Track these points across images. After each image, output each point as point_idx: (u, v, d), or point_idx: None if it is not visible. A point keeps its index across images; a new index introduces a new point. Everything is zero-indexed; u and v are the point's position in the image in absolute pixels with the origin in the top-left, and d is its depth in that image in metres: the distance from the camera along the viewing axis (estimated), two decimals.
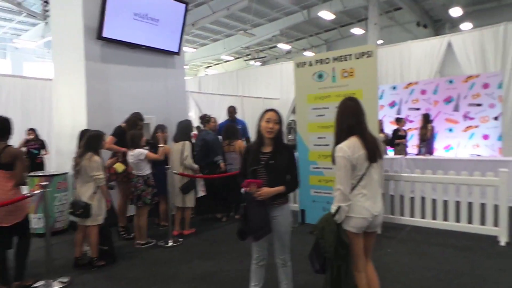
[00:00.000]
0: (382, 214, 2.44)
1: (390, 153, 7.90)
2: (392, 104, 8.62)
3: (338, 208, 2.29)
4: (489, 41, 11.24)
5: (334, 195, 2.35)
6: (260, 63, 27.30)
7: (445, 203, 4.37)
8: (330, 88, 4.64)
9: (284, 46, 24.87)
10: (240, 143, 5.44)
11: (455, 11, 17.47)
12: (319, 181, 4.86)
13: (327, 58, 4.63)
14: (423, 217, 4.55)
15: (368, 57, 4.32)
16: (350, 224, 2.33)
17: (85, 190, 3.81)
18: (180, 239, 4.71)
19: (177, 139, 4.89)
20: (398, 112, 8.47)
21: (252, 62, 27.71)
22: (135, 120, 4.75)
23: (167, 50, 6.24)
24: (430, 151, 7.35)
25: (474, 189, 4.11)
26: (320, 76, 4.72)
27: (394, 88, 8.69)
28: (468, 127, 7.50)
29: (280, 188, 2.49)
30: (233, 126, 5.62)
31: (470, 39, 11.68)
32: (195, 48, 25.32)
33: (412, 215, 4.64)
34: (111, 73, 5.59)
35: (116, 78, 5.66)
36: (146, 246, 4.52)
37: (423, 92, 8.16)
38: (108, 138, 4.65)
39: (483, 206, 4.18)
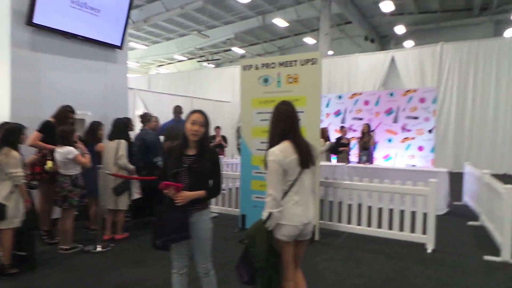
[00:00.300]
0: (313, 222, 2.40)
1: (334, 160, 8.12)
2: (337, 113, 8.89)
3: (269, 215, 2.21)
4: (427, 58, 12.10)
5: (265, 201, 2.27)
6: (213, 65, 27.06)
7: (380, 210, 4.52)
8: (275, 93, 4.61)
9: (238, 50, 24.89)
10: None
11: (399, 29, 18.61)
12: (261, 186, 4.80)
13: (273, 63, 4.60)
14: (359, 224, 4.66)
15: (312, 64, 4.35)
16: (281, 232, 2.26)
17: (0, 189, 3.40)
18: (112, 244, 4.40)
19: (112, 137, 4.57)
20: (343, 121, 8.75)
21: (205, 64, 27.39)
22: (65, 114, 4.37)
23: (108, 43, 5.86)
24: (370, 160, 7.65)
25: (406, 198, 4.29)
26: (266, 80, 4.68)
27: (340, 97, 8.98)
28: (406, 139, 7.93)
29: (200, 193, 2.37)
30: (176, 127, 5.38)
31: (411, 55, 12.49)
32: (146, 46, 24.50)
33: (349, 222, 4.74)
34: (41, 63, 5.11)
35: (47, 68, 5.18)
36: (71, 251, 4.15)
37: (366, 102, 8.51)
38: (33, 134, 4.22)
39: (414, 214, 4.36)
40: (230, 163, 7.61)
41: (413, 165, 7.70)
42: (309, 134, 4.41)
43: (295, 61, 4.44)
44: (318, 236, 4.57)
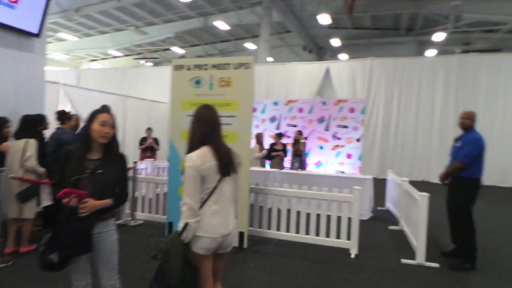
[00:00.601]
0: (234, 233, 2.28)
1: (268, 166, 8.17)
2: (273, 119, 8.99)
3: (185, 225, 2.04)
4: (359, 71, 12.84)
5: (181, 210, 2.10)
6: (151, 64, 26.09)
7: (308, 216, 4.56)
8: (207, 96, 4.45)
9: (178, 50, 24.26)
10: None
11: (335, 42, 19.56)
12: None
13: (206, 64, 4.45)
14: (288, 230, 4.66)
15: (245, 68, 4.28)
16: (198, 245, 2.10)
17: None
18: (15, 258, 3.87)
19: (18, 135, 4.05)
20: (278, 127, 8.87)
21: (142, 62, 26.29)
22: None
23: (22, 30, 5.23)
24: (302, 166, 7.81)
25: (332, 204, 4.39)
26: (198, 82, 4.50)
27: (276, 103, 9.10)
28: (336, 146, 8.25)
29: (107, 201, 2.14)
30: None
31: (344, 67, 13.15)
32: (78, 37, 22.81)
33: (278, 229, 4.72)
34: None
35: None
36: None
37: (301, 110, 8.72)
38: None
39: (340, 219, 4.47)
40: (160, 166, 7.25)
41: (342, 172, 8.03)
42: (241, 139, 4.33)
43: (228, 64, 4.34)
44: (247, 243, 4.49)
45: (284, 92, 13.61)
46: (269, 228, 4.76)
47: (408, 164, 12.43)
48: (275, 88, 13.97)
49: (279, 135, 8.35)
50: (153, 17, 20.63)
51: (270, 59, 19.58)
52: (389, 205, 7.11)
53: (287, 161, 8.28)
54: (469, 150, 3.87)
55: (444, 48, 19.48)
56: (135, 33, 20.14)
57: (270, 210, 4.77)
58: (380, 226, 5.95)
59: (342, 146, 8.19)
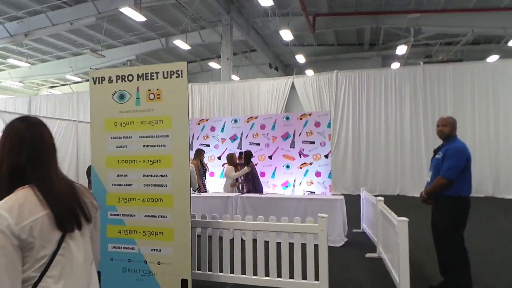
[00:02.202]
0: None
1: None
2: (233, 138, 8.22)
3: None
4: (324, 85, 12.42)
5: None
6: None
7: (266, 254, 3.71)
8: (134, 112, 3.62)
9: None
10: None
11: (300, 58, 19.36)
12: (119, 232, 3.67)
13: (130, 75, 3.63)
14: (243, 272, 3.79)
15: (178, 77, 3.50)
16: None
17: None
18: None
19: None
20: (239, 146, 8.10)
21: None
22: None
23: None
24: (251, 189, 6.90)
25: (295, 236, 3.58)
26: (122, 97, 3.66)
27: (236, 121, 8.36)
28: (303, 164, 7.55)
29: None
30: None
31: (309, 82, 12.70)
32: (31, 63, 21.52)
33: (232, 271, 3.84)
34: None
35: None
36: None
37: (263, 127, 8.02)
38: None
39: (305, 253, 3.64)
40: None
41: (312, 192, 7.33)
42: (177, 162, 3.50)
43: (157, 72, 3.54)
44: None
45: (250, 110, 12.99)
46: (220, 271, 3.88)
47: (382, 178, 11.92)
48: (240, 106, 13.33)
49: (241, 155, 7.59)
50: (112, 39, 19.79)
51: (236, 78, 19.06)
52: (365, 226, 6.40)
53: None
54: (452, 163, 3.20)
55: (407, 62, 19.67)
56: (93, 56, 19.12)
57: (220, 249, 3.89)
58: (355, 253, 5.18)
59: (310, 163, 7.49)
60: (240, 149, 7.95)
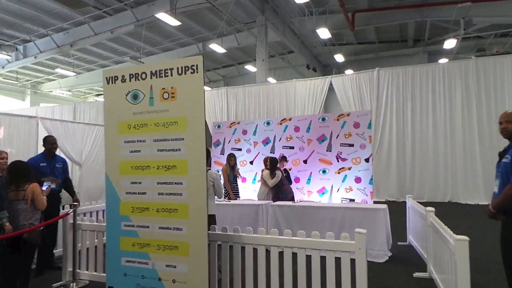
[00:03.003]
0: None
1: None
2: (266, 142, 7.77)
3: None
4: (365, 83, 11.65)
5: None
6: None
7: (295, 270, 3.21)
8: (147, 114, 3.31)
9: None
10: (34, 187, 3.70)
11: (339, 57, 18.59)
12: (133, 245, 3.37)
13: (144, 73, 3.33)
14: None
15: (193, 73, 3.14)
16: None
17: None
18: None
19: None
20: (272, 150, 7.64)
21: None
22: None
23: None
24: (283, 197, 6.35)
25: (327, 255, 3.06)
26: (135, 97, 3.37)
27: (268, 123, 7.90)
28: (341, 169, 6.93)
29: None
30: (21, 164, 3.84)
31: (349, 81, 11.99)
32: (78, 73, 22.63)
33: None
34: None
35: None
36: None
37: (297, 129, 7.50)
38: None
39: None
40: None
41: (351, 200, 6.70)
42: (192, 170, 3.13)
43: (171, 69, 3.20)
44: None
45: (286, 113, 12.51)
46: None
47: (431, 183, 10.90)
48: (276, 109, 12.89)
49: (284, 159, 7.12)
50: (151, 46, 20.23)
51: (273, 80, 18.73)
52: (412, 239, 5.69)
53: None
54: None
55: (457, 57, 18.17)
56: (134, 64, 19.66)
57: (243, 265, 3.45)
58: (401, 271, 4.53)
59: (349, 168, 6.85)
60: (273, 153, 7.49)
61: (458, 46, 17.04)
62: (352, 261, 2.93)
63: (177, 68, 3.18)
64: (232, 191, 6.73)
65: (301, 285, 3.15)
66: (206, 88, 22.07)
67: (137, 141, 3.34)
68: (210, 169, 4.52)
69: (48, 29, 17.22)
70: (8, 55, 18.62)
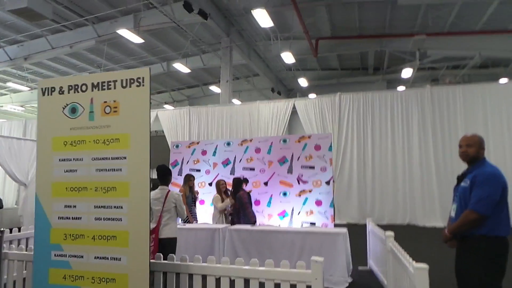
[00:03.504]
0: None
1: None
2: (226, 162, 7.52)
3: None
4: (327, 107, 11.84)
5: None
6: None
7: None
8: (87, 129, 2.99)
9: None
10: None
11: (303, 82, 18.99)
12: (64, 277, 2.95)
13: (84, 84, 3.02)
14: None
15: (138, 85, 2.88)
16: None
17: None
18: None
19: None
20: (232, 172, 7.39)
21: None
22: None
23: None
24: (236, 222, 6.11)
25: (282, 285, 2.81)
26: (74, 111, 3.05)
27: (229, 144, 7.67)
28: (302, 192, 6.79)
29: None
30: None
31: (311, 104, 12.13)
32: (31, 88, 21.43)
33: None
34: None
35: None
36: None
37: (258, 150, 7.32)
38: None
39: None
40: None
41: (312, 223, 6.54)
42: (134, 193, 2.82)
43: (114, 81, 2.93)
44: None
45: (249, 134, 12.37)
46: None
47: (390, 206, 11.05)
48: (239, 130, 12.73)
49: (245, 181, 6.86)
50: (113, 63, 19.65)
51: (237, 102, 18.70)
52: (372, 264, 5.58)
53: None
54: (484, 192, 2.45)
55: (413, 86, 19.15)
56: None
57: None
58: None
59: (310, 190, 6.73)
60: (233, 174, 7.24)
61: (414, 75, 17.97)
62: None
63: (121, 80, 2.92)
64: (191, 214, 6.38)
65: None
66: (168, 107, 21.65)
67: (73, 159, 2.99)
68: (169, 190, 4.24)
69: (0, 40, 16.29)
70: None
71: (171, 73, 21.00)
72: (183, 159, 7.88)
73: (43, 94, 3.13)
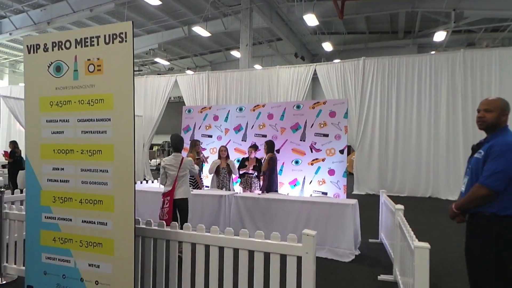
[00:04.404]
0: None
1: (235, 186, 6.51)
2: (238, 129, 7.33)
3: None
4: (350, 72, 11.25)
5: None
6: None
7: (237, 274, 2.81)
8: (71, 89, 2.84)
9: (163, 62, 23.01)
10: None
11: (327, 46, 18.13)
12: (54, 239, 2.94)
13: (68, 41, 2.84)
14: None
15: (121, 41, 2.67)
16: None
17: None
18: None
19: None
20: (244, 138, 7.20)
21: None
22: None
23: None
24: (269, 187, 6.02)
25: (271, 258, 2.66)
26: (58, 69, 2.89)
27: (241, 109, 7.44)
28: (315, 160, 6.55)
29: None
30: None
31: (333, 69, 11.57)
32: None
33: None
34: None
35: None
36: None
37: (270, 116, 7.06)
38: None
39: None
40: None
41: (324, 193, 6.34)
42: (119, 156, 2.69)
43: (97, 37, 2.72)
44: None
45: (268, 99, 12.06)
46: None
47: (412, 178, 10.64)
48: (258, 96, 12.42)
49: (254, 147, 6.69)
50: (134, 28, 19.45)
51: (258, 67, 18.23)
52: (383, 237, 5.36)
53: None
54: (499, 165, 2.12)
55: (446, 50, 17.88)
56: None
57: (180, 265, 3.04)
58: (366, 274, 4.18)
59: (323, 159, 6.48)
60: (245, 141, 7.06)
61: (448, 39, 16.72)
62: (300, 264, 2.55)
63: (104, 36, 2.71)
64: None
65: (242, 284, 2.75)
66: (188, 72, 21.46)
67: (60, 120, 2.88)
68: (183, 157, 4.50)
69: (24, 4, 16.37)
70: None
71: (192, 38, 20.59)
72: (195, 124, 7.76)
73: (29, 52, 2.98)
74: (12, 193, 4.27)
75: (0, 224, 3.69)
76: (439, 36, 15.51)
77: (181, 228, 2.94)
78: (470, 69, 10.07)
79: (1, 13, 17.10)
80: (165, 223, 3.03)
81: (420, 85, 10.59)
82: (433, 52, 11.06)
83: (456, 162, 10.03)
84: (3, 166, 11.05)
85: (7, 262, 3.79)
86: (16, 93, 15.24)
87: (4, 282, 3.65)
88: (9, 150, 10.10)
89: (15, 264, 3.78)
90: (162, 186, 4.56)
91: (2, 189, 3.73)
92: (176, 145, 4.50)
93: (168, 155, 22.93)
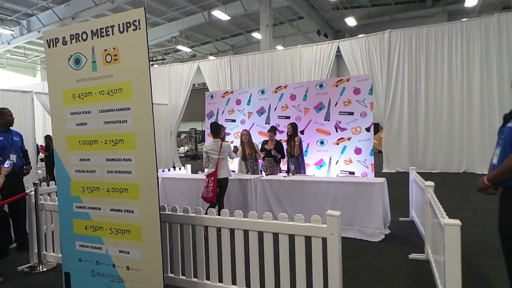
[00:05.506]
0: None
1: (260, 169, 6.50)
2: (261, 111, 7.26)
3: None
4: (375, 47, 10.84)
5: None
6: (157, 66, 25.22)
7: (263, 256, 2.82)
8: (91, 80, 2.88)
9: (185, 49, 23.08)
10: None
11: (350, 21, 17.51)
12: (85, 228, 3.05)
13: (84, 32, 2.86)
14: (221, 280, 2.97)
15: (135, 29, 2.65)
16: None
17: None
18: None
19: None
20: (267, 120, 7.14)
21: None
22: None
23: None
24: (300, 169, 6.02)
25: (296, 240, 2.64)
26: (77, 61, 2.94)
27: (263, 92, 7.35)
28: (340, 139, 6.40)
29: None
30: None
31: (357, 45, 11.18)
32: None
33: (208, 277, 3.04)
34: None
35: None
36: None
37: (293, 97, 6.94)
38: None
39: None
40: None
41: (351, 172, 6.22)
42: (141, 144, 2.72)
43: (112, 26, 2.73)
44: None
45: (291, 80, 11.87)
46: (195, 276, 3.11)
47: (445, 153, 10.24)
48: (281, 77, 12.25)
49: (273, 130, 6.63)
50: (155, 16, 19.60)
51: (280, 48, 17.92)
52: (414, 215, 5.22)
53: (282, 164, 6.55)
54: None
55: (479, 16, 16.79)
56: None
57: (207, 248, 3.08)
58: (396, 253, 4.10)
59: (348, 138, 6.32)
60: (268, 123, 7.01)
61: (481, 3, 15.66)
62: (325, 246, 2.51)
63: (118, 25, 2.70)
64: None
65: (268, 266, 2.76)
66: (210, 57, 21.41)
67: (83, 112, 2.94)
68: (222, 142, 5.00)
69: (49, 1, 16.82)
70: (10, 30, 18.39)
71: (213, 22, 20.47)
72: (218, 109, 7.77)
73: (49, 46, 3.04)
74: (48, 185, 4.47)
75: (37, 214, 3.88)
76: (471, 0, 14.54)
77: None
78: (505, 35, 9.42)
79: (28, 11, 17.67)
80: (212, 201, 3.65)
81: (451, 55, 10.05)
82: (464, 19, 10.40)
83: (491, 134, 9.53)
84: (42, 160, 11.62)
85: (46, 251, 4.01)
86: (48, 89, 15.84)
87: (45, 269, 3.86)
88: (44, 144, 10.60)
89: (53, 252, 4.00)
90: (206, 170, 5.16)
91: (37, 182, 3.91)
92: (215, 131, 5.01)
93: (195, 142, 23.17)
